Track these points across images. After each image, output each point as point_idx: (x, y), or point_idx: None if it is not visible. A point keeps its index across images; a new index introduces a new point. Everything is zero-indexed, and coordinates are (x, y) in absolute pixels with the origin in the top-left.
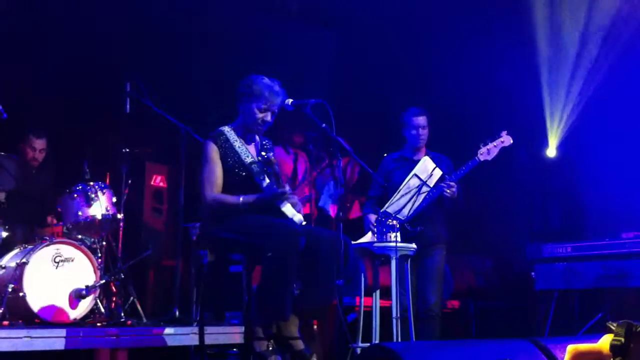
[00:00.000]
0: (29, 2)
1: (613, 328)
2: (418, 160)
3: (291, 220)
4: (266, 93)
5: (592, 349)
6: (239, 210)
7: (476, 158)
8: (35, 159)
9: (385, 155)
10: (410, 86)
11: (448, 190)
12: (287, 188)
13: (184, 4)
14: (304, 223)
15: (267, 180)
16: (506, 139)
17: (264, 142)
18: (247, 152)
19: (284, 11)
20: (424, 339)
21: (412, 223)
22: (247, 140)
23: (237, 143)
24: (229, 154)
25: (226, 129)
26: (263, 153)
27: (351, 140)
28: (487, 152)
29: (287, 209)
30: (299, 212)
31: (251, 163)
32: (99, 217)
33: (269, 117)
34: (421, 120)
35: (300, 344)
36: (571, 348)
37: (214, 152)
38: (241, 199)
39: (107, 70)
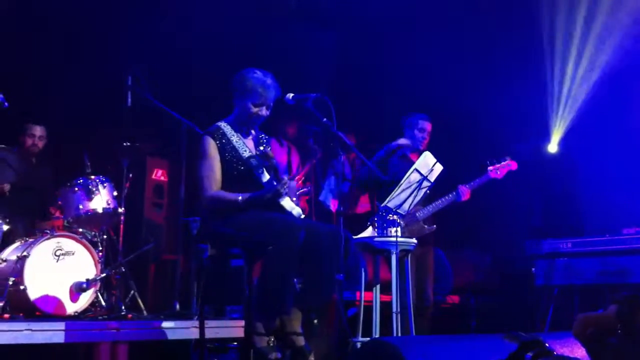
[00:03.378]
0: None
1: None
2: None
3: (290, 213)
4: (259, 88)
5: (601, 316)
6: (239, 207)
7: (488, 175)
8: (35, 145)
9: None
10: (410, 84)
11: (464, 199)
12: (286, 179)
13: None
14: (302, 216)
15: (267, 176)
16: (512, 164)
17: (260, 136)
18: (245, 147)
19: (284, 10)
20: (423, 333)
21: (427, 221)
22: (244, 134)
23: (235, 138)
24: (227, 149)
25: (222, 124)
26: (261, 147)
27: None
28: (496, 171)
29: (286, 202)
30: (296, 204)
31: (249, 157)
32: (99, 210)
33: (264, 112)
34: (429, 126)
35: (301, 340)
36: (582, 316)
37: (211, 147)
38: (240, 197)
39: (108, 63)
